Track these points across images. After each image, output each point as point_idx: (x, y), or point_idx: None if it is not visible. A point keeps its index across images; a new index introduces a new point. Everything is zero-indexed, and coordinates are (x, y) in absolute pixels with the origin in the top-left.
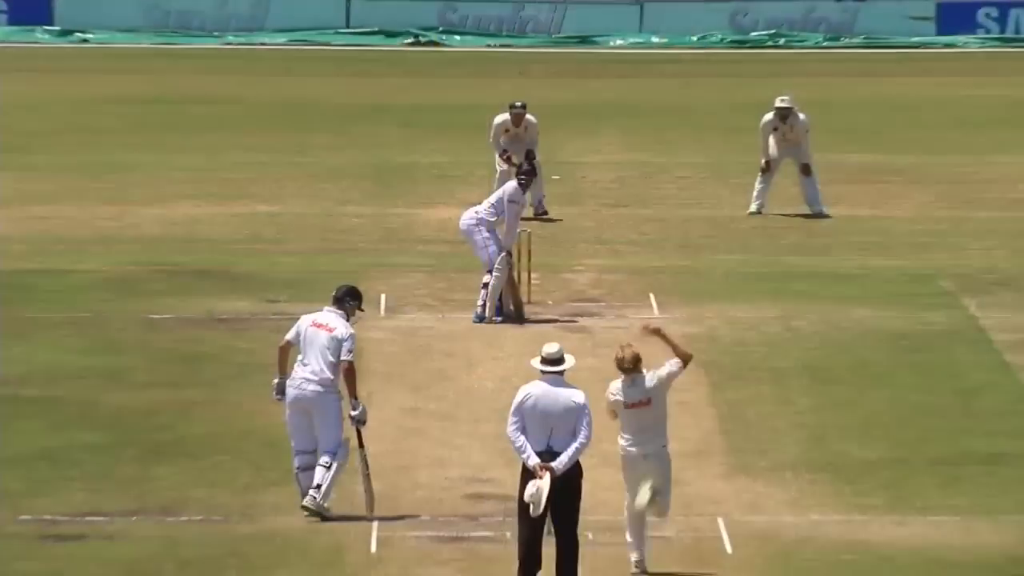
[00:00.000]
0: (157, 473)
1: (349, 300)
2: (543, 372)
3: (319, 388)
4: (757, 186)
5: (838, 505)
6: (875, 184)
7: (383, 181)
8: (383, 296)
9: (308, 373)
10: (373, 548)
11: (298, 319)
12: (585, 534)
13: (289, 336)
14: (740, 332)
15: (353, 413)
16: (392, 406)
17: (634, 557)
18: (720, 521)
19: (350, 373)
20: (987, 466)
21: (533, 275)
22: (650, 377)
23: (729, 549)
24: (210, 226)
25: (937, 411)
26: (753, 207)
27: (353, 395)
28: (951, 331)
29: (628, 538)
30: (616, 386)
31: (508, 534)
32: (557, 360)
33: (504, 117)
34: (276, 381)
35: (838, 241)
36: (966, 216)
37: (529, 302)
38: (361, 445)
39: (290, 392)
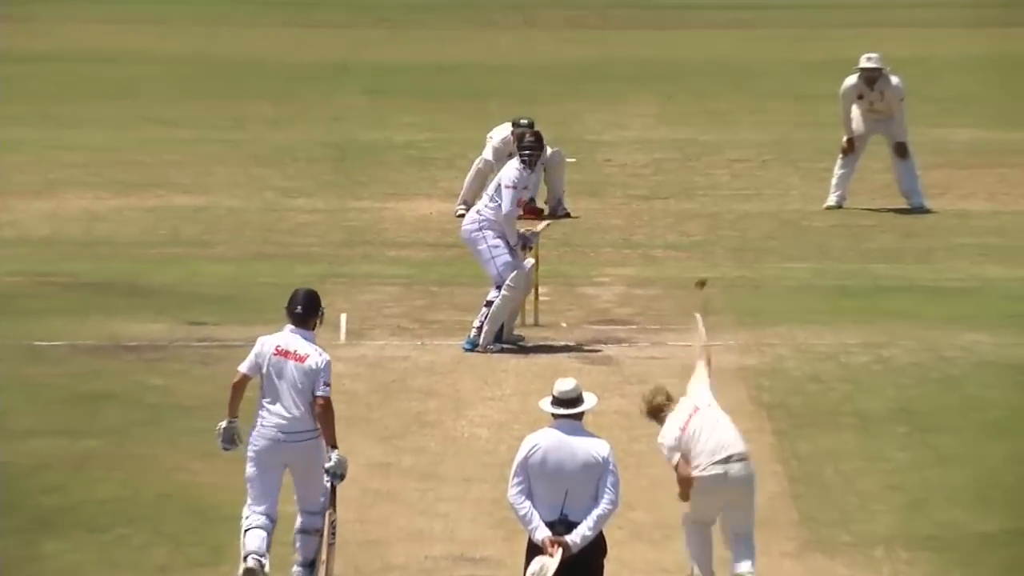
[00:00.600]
0: (45, 551)
1: (313, 314)
2: (555, 416)
3: (302, 436)
4: (837, 172)
5: None
6: (992, 169)
7: (343, 166)
8: (343, 317)
9: (283, 418)
10: None
11: (255, 343)
12: None
13: (245, 367)
14: (815, 364)
15: (328, 465)
16: (355, 462)
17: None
18: None
19: (327, 412)
20: None
21: (542, 289)
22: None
23: None
24: (114, 224)
25: None
26: (832, 200)
27: (331, 441)
28: None
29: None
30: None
31: None
32: (574, 400)
33: (505, 134)
34: (224, 425)
35: (943, 244)
36: None
37: (536, 324)
38: (332, 506)
39: (259, 443)
